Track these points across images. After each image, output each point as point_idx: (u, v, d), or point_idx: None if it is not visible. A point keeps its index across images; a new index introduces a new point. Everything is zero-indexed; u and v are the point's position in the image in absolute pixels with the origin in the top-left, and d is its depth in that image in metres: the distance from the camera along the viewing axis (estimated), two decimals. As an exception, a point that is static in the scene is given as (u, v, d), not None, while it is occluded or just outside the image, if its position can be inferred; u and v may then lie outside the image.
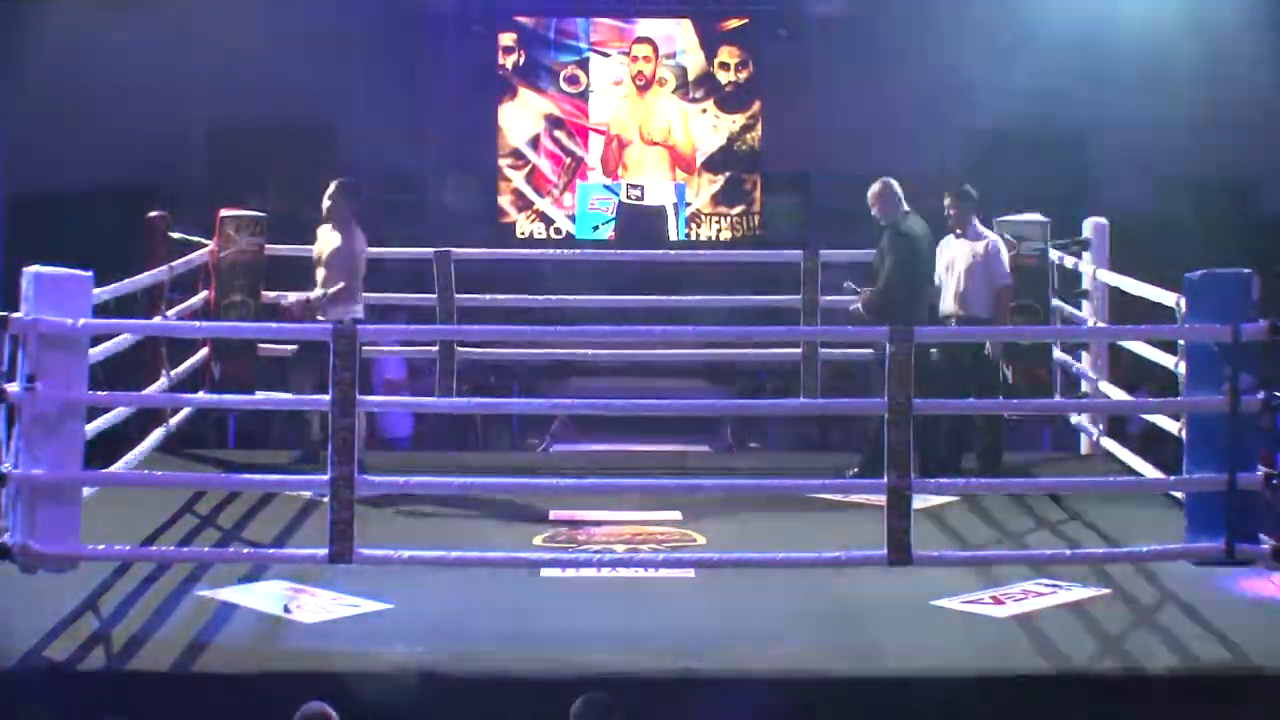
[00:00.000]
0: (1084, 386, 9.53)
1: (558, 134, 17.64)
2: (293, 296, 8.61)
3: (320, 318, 8.22)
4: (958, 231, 8.94)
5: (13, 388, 6.29)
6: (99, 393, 7.34)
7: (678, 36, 17.69)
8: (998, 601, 6.56)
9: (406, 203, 18.69)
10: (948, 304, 8.87)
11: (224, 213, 9.55)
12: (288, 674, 5.77)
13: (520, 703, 5.68)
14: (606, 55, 17.63)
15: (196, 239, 9.59)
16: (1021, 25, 18.41)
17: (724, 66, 17.68)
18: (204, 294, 9.41)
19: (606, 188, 17.56)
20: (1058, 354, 9.48)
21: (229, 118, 16.81)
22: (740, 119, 17.73)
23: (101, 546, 6.48)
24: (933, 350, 8.57)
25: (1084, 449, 9.61)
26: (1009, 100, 17.73)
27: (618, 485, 7.86)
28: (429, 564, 6.56)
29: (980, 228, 8.99)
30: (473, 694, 5.73)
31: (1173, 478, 7.32)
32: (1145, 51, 18.04)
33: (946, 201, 9.05)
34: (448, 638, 6.11)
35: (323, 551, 6.35)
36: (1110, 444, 9.12)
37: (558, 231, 17.54)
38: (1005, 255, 8.93)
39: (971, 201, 9.02)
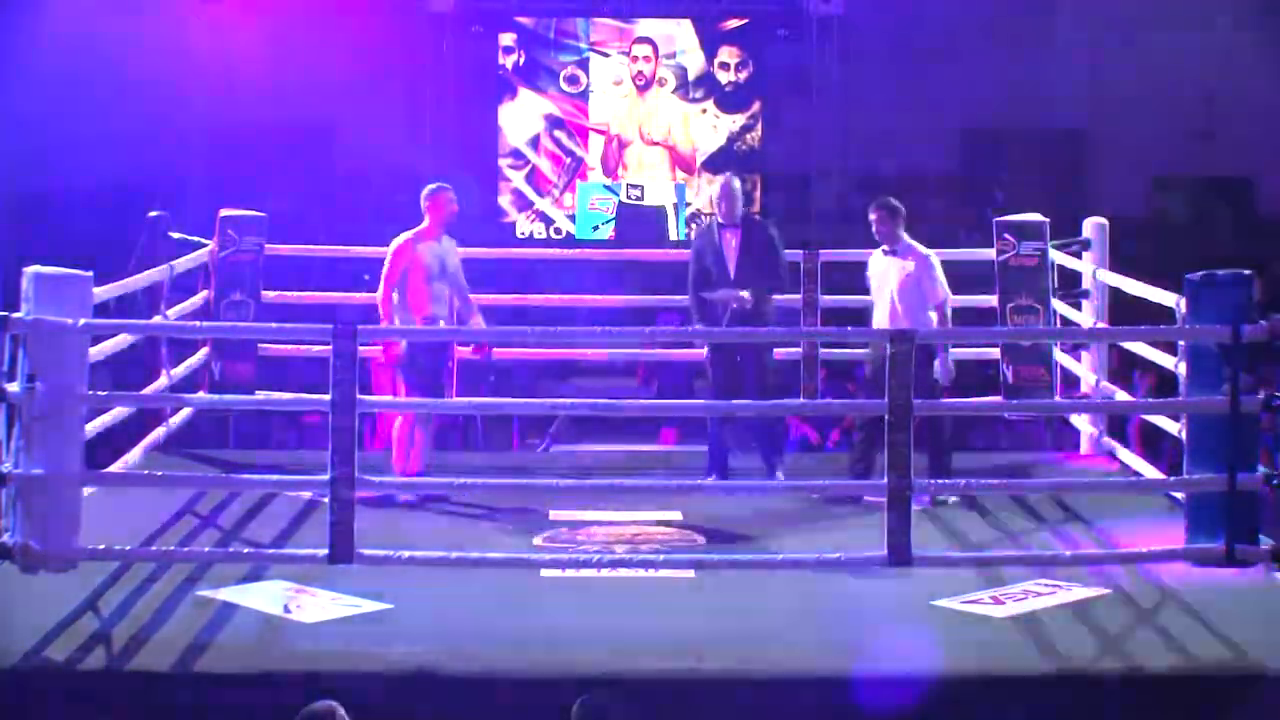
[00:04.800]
0: (1084, 386, 9.53)
1: (558, 134, 17.65)
2: None
3: None
4: (886, 248, 8.50)
5: (13, 387, 6.28)
6: (99, 393, 7.33)
7: (678, 36, 17.70)
8: (998, 601, 6.56)
9: (406, 203, 18.70)
10: (881, 325, 8.38)
11: (224, 213, 9.55)
12: (288, 674, 5.77)
13: (520, 703, 5.68)
14: (606, 55, 17.65)
15: (196, 239, 9.59)
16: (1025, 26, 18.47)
17: (724, 66, 17.69)
18: (204, 294, 9.42)
19: (606, 188, 17.57)
20: (1058, 354, 9.47)
21: (229, 118, 16.83)
22: (740, 119, 17.74)
23: (101, 546, 6.48)
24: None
25: (1084, 449, 9.61)
26: (1009, 100, 17.76)
27: (618, 485, 7.85)
28: (429, 564, 6.56)
29: (910, 242, 8.55)
30: (473, 694, 5.73)
31: (1173, 478, 7.31)
32: (1145, 51, 18.09)
33: (872, 216, 8.57)
34: (448, 638, 6.11)
35: (323, 551, 6.35)
36: (1110, 444, 9.12)
37: (558, 231, 17.55)
38: (939, 269, 8.49)
39: (899, 216, 8.55)
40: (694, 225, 17.36)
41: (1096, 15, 18.83)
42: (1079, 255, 9.54)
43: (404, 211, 19.27)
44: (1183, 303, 7.07)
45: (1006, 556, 6.88)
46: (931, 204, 18.98)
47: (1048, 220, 9.59)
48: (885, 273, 8.46)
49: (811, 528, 7.74)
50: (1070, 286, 9.56)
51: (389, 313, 8.29)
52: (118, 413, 8.08)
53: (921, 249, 8.50)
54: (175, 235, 9.35)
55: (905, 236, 8.51)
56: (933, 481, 6.98)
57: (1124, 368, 10.17)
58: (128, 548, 6.70)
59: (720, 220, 8.69)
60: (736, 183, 8.77)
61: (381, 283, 8.36)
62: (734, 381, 8.51)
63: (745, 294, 8.49)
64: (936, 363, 8.22)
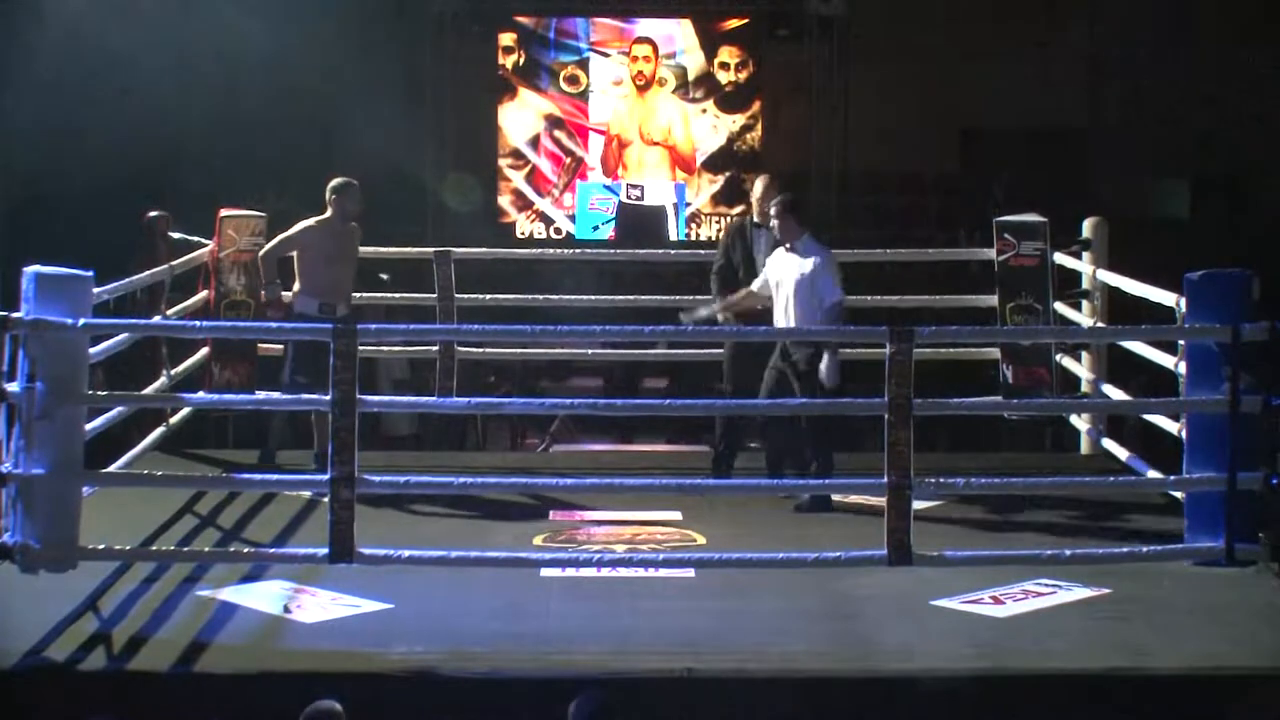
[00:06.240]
0: (1084, 386, 9.53)
1: (558, 134, 17.65)
2: None
3: None
4: (787, 245, 8.19)
5: (13, 388, 6.29)
6: (99, 393, 7.33)
7: (678, 36, 17.70)
8: (998, 601, 6.56)
9: (407, 203, 18.71)
10: (779, 323, 8.21)
11: (224, 213, 9.56)
12: (288, 674, 5.77)
13: (520, 703, 5.68)
14: (606, 55, 17.65)
15: (196, 239, 9.59)
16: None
17: (724, 66, 17.69)
18: (204, 294, 9.42)
19: (606, 188, 17.57)
20: (1057, 354, 9.47)
21: (229, 118, 16.83)
22: (740, 119, 17.74)
23: (101, 546, 6.48)
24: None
25: (1084, 449, 9.61)
26: (1009, 100, 17.77)
27: (618, 485, 7.86)
28: (429, 564, 6.56)
29: (810, 242, 8.17)
30: (473, 694, 5.73)
31: (1173, 478, 7.32)
32: (1145, 51, 18.10)
33: (771, 213, 8.30)
34: (448, 638, 6.11)
35: (323, 551, 6.36)
36: (1110, 444, 9.12)
37: (558, 231, 17.55)
38: (834, 270, 8.12)
39: (799, 212, 8.26)
40: (693, 225, 17.37)
41: (1097, 15, 18.84)
42: (1079, 255, 9.54)
43: (404, 211, 19.34)
44: (1183, 303, 7.07)
45: (1006, 556, 6.88)
46: (931, 204, 19.01)
47: (1047, 220, 9.59)
48: (783, 270, 8.19)
49: (812, 527, 7.74)
50: (1070, 286, 9.56)
51: (267, 276, 8.87)
52: (117, 412, 8.08)
53: (820, 247, 8.20)
54: (175, 235, 9.35)
55: (807, 236, 8.21)
56: (938, 480, 6.95)
57: (1124, 368, 10.17)
58: (128, 548, 6.70)
59: (755, 220, 8.66)
60: (777, 184, 8.75)
61: (269, 245, 8.91)
62: (748, 383, 8.49)
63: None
64: (823, 364, 8.02)
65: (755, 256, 8.57)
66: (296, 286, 8.74)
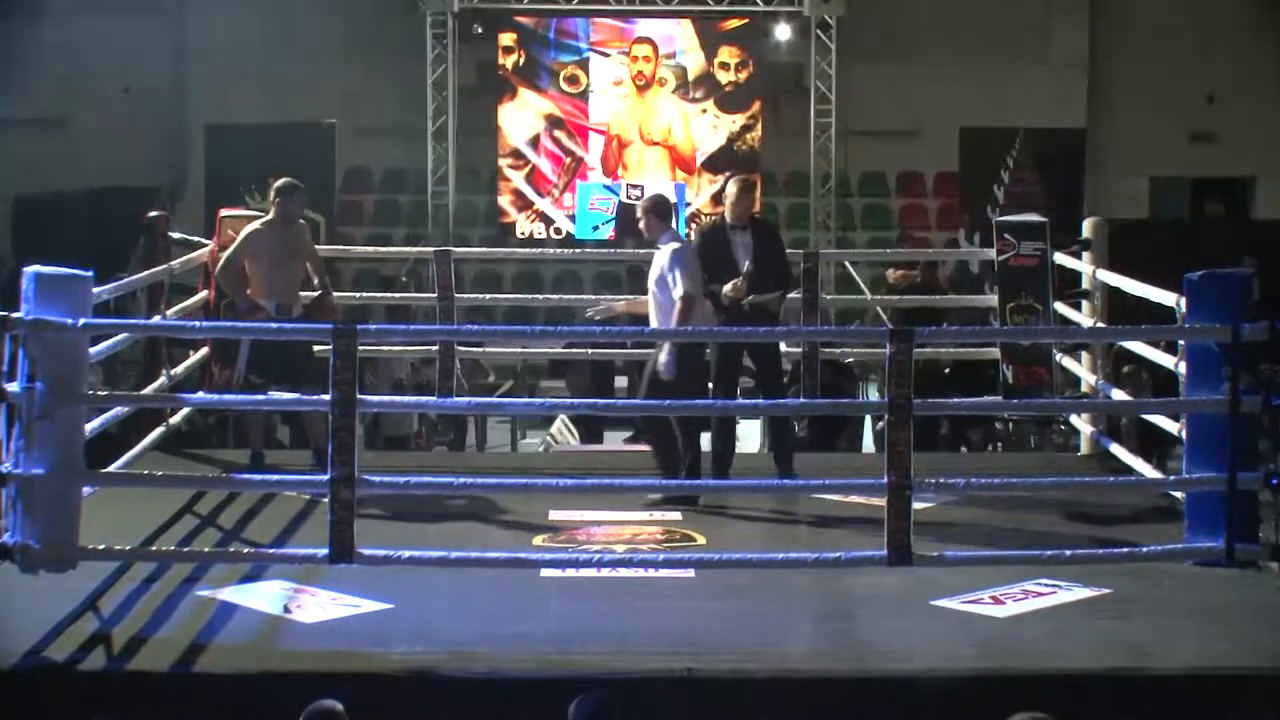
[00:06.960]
0: (1084, 386, 9.53)
1: (558, 134, 17.66)
2: None
3: None
4: (658, 246, 8.26)
5: (13, 388, 6.28)
6: (99, 393, 7.32)
7: (678, 36, 17.72)
8: (998, 601, 6.56)
9: (406, 203, 18.73)
10: (651, 323, 8.31)
11: (224, 213, 9.56)
12: (288, 674, 5.76)
13: (520, 703, 5.68)
14: (606, 55, 17.66)
15: (196, 239, 9.60)
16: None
17: (724, 66, 17.71)
18: (204, 294, 9.42)
19: (606, 188, 17.58)
20: (1057, 354, 9.47)
21: (228, 117, 16.85)
22: (740, 119, 17.75)
23: (101, 546, 6.48)
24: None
25: (1084, 449, 9.61)
26: (1009, 100, 17.78)
27: (618, 485, 7.85)
28: (429, 564, 6.56)
29: (667, 238, 8.22)
30: (473, 694, 5.73)
31: (1173, 478, 7.32)
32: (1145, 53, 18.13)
33: (638, 214, 8.41)
34: (448, 638, 6.11)
35: (323, 551, 6.35)
36: (1109, 444, 9.12)
37: (558, 231, 17.56)
38: (685, 266, 8.09)
39: (657, 212, 8.30)
40: (694, 225, 17.37)
41: (1098, 15, 18.85)
42: (1079, 255, 9.54)
43: (405, 211, 19.26)
44: (1183, 303, 7.07)
45: (1006, 556, 6.87)
46: (931, 204, 19.03)
47: (1048, 220, 9.59)
48: (650, 270, 8.28)
49: (811, 527, 7.74)
50: (1070, 286, 9.56)
51: (233, 289, 8.81)
52: (117, 412, 8.08)
53: (673, 245, 8.21)
54: (175, 235, 9.35)
55: (665, 232, 8.25)
56: (938, 480, 6.94)
57: (1119, 367, 10.19)
58: (128, 548, 6.70)
59: (730, 220, 8.63)
60: (751, 186, 8.76)
61: (223, 261, 8.83)
62: (733, 384, 8.50)
63: (740, 283, 8.37)
64: (662, 356, 8.08)
65: (735, 256, 8.53)
66: (250, 289, 8.74)
